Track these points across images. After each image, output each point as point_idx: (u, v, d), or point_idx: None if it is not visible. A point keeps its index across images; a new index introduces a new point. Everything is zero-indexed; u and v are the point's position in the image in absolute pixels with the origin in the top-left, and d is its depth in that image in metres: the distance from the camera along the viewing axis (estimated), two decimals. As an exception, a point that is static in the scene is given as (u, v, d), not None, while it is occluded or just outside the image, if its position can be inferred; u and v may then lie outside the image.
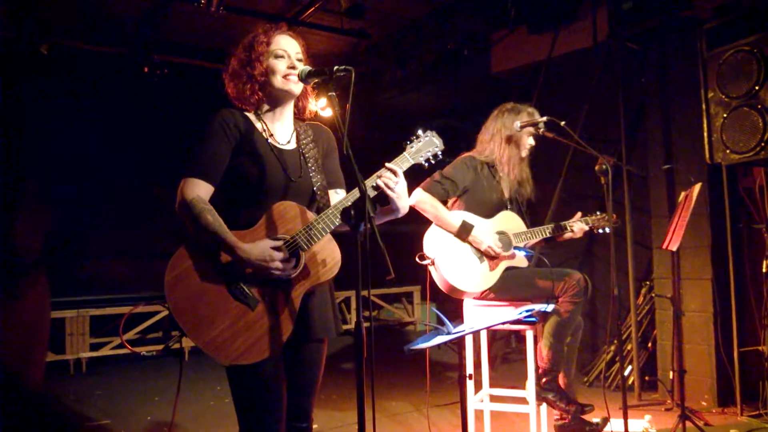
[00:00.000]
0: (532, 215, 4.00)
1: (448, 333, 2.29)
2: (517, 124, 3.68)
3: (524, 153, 3.75)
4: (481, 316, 3.57)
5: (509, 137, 3.72)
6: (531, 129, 3.70)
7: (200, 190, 2.11)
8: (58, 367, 6.29)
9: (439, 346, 2.29)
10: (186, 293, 2.02)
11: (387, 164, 2.18)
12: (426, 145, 2.29)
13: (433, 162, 2.31)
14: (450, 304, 3.90)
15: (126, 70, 6.49)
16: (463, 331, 2.31)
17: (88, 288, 7.21)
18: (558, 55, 6.01)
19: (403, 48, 6.87)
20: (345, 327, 2.31)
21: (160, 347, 6.41)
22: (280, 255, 2.05)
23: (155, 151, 7.41)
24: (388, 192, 2.17)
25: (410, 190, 3.50)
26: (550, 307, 2.88)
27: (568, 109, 5.46)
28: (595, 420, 3.69)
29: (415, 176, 2.62)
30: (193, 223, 2.06)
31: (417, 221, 3.66)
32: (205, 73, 6.56)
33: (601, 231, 3.80)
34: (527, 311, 2.48)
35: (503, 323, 2.59)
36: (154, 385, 5.65)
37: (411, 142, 2.28)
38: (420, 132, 2.30)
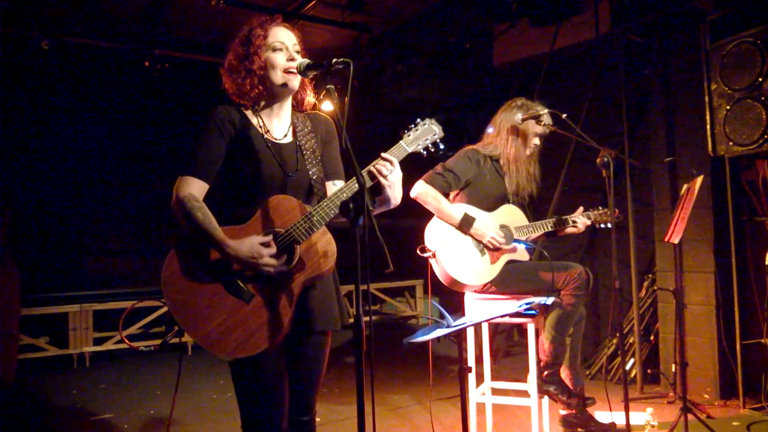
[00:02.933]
0: (534, 208, 3.99)
1: (448, 326, 2.28)
2: (519, 116, 3.67)
3: (528, 151, 3.73)
4: (482, 310, 3.57)
5: (515, 132, 3.70)
6: (538, 129, 3.68)
7: (193, 188, 2.13)
8: (61, 361, 6.31)
9: (438, 339, 2.28)
10: (182, 288, 2.04)
11: (382, 154, 2.17)
12: (424, 133, 2.25)
13: (432, 150, 2.27)
14: (452, 298, 3.89)
15: (127, 64, 6.49)
16: (462, 324, 2.30)
17: (91, 283, 7.24)
18: (560, 47, 5.98)
19: (405, 42, 6.85)
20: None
21: (159, 342, 6.45)
22: (268, 251, 2.05)
23: (157, 146, 7.42)
24: (381, 179, 2.15)
25: (412, 182, 3.53)
26: (549, 300, 2.88)
27: (570, 102, 5.45)
28: (602, 420, 3.68)
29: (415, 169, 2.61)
30: (185, 220, 2.08)
31: (419, 215, 3.66)
32: (206, 68, 6.56)
33: (603, 226, 3.79)
34: (526, 304, 2.47)
35: (502, 316, 2.59)
36: (157, 379, 5.67)
37: (408, 130, 2.25)
38: (419, 120, 2.27)
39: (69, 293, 6.58)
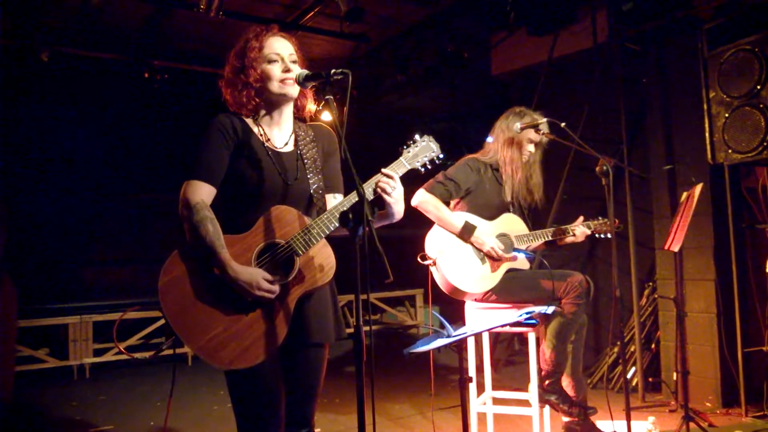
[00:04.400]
0: (534, 217, 3.99)
1: (448, 336, 2.28)
2: (517, 125, 3.67)
3: (524, 158, 3.73)
4: (483, 319, 3.56)
5: (511, 139, 3.71)
6: (532, 136, 3.69)
7: (203, 193, 2.11)
8: (61, 373, 6.30)
9: (439, 349, 2.28)
10: (179, 298, 2.03)
11: (383, 169, 2.17)
12: (423, 150, 2.28)
13: (429, 167, 2.29)
14: (452, 307, 3.89)
15: (126, 76, 6.50)
16: (463, 333, 2.30)
17: (90, 294, 7.23)
18: (558, 56, 6.00)
19: (404, 51, 6.87)
20: (347, 331, 2.30)
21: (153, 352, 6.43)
22: (267, 286, 2.04)
23: (156, 157, 7.43)
24: (385, 197, 2.15)
25: (412, 191, 3.52)
26: (550, 309, 2.87)
27: (569, 111, 5.45)
28: (604, 429, 3.67)
29: (414, 179, 2.61)
30: (192, 228, 2.06)
31: (419, 225, 3.65)
32: (205, 79, 6.57)
33: (603, 236, 3.79)
34: (527, 313, 2.47)
35: (503, 326, 2.58)
36: (157, 390, 5.65)
37: (407, 147, 2.27)
38: (417, 137, 2.29)
39: (68, 304, 6.57)
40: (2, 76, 5.77)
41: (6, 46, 5.73)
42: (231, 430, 2.16)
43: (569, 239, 3.75)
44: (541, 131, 3.67)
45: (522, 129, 3.67)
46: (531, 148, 3.74)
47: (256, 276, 2.03)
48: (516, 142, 3.71)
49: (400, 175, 2.21)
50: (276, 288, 2.06)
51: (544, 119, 3.68)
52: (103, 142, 7.36)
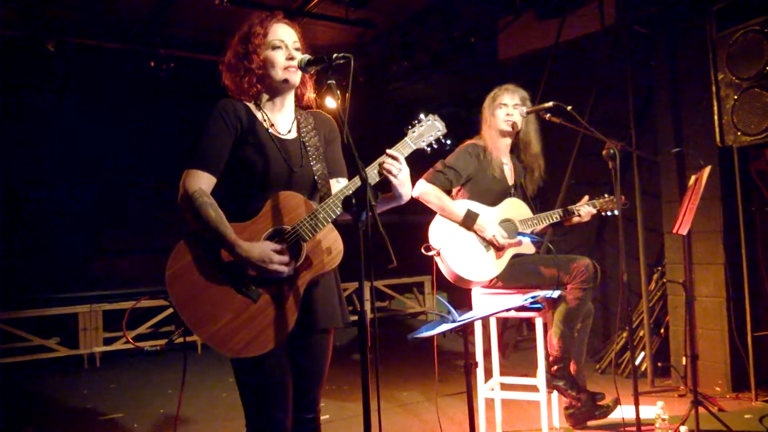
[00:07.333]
0: (541, 201, 3.97)
1: (453, 321, 2.27)
2: (523, 110, 3.66)
3: (505, 126, 3.69)
4: (488, 304, 3.55)
5: (487, 119, 3.73)
6: (501, 100, 3.69)
7: (202, 182, 2.10)
8: (72, 362, 6.35)
9: (444, 334, 2.27)
10: (187, 287, 2.01)
11: (388, 150, 2.14)
12: (428, 130, 2.23)
13: (435, 147, 2.24)
14: (460, 293, 3.88)
15: (132, 65, 6.50)
16: (466, 319, 2.29)
17: (100, 283, 7.27)
18: (565, 40, 5.95)
19: (410, 37, 6.83)
20: (352, 318, 2.29)
21: (164, 341, 6.47)
22: (279, 258, 2.03)
23: (163, 146, 7.43)
24: (391, 179, 2.13)
25: (413, 179, 3.50)
26: (555, 294, 2.86)
27: (576, 94, 5.41)
28: (606, 403, 3.67)
29: (417, 165, 2.59)
30: (194, 216, 2.05)
31: (426, 211, 3.64)
32: (212, 67, 6.53)
33: (609, 214, 3.75)
34: (532, 298, 2.46)
35: (507, 310, 2.57)
36: (166, 378, 5.69)
37: (412, 126, 2.23)
38: (422, 116, 2.24)
39: (78, 293, 6.62)
40: (8, 66, 5.78)
41: (12, 36, 5.74)
42: (240, 417, 2.17)
43: (575, 219, 3.72)
44: (547, 115, 3.65)
45: (528, 113, 3.66)
46: (500, 113, 3.69)
47: (266, 251, 2.02)
48: (488, 118, 3.73)
49: (406, 155, 2.17)
50: (287, 258, 2.05)
51: (550, 103, 3.61)
52: (109, 132, 7.37)
